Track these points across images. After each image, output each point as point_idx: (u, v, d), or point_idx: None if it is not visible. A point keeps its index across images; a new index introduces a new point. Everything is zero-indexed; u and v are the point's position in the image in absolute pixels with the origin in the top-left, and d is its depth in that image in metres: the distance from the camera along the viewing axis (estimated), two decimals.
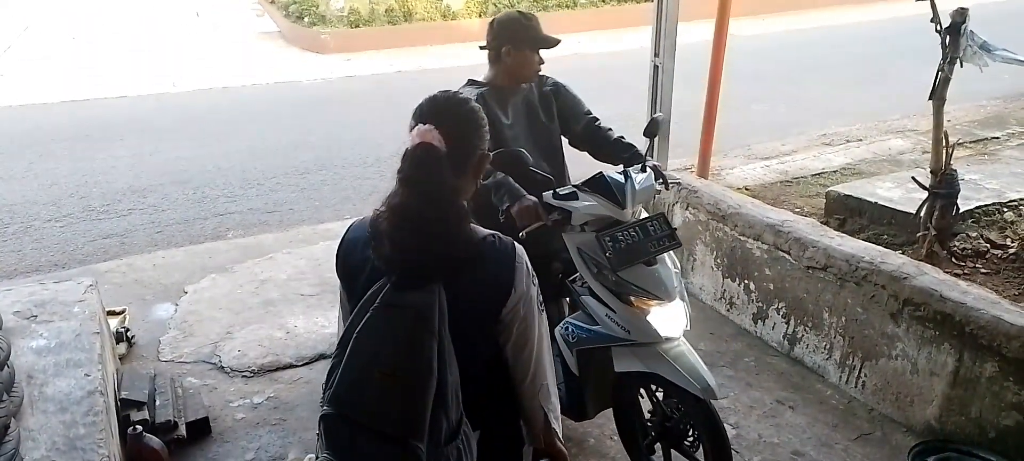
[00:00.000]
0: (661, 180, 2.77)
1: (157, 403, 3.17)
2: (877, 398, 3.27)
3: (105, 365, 2.88)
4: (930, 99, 3.58)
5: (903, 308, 3.07)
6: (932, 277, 3.07)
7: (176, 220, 5.57)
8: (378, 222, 1.53)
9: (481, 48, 2.88)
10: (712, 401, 2.46)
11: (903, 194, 4.14)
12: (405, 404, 1.42)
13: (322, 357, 3.68)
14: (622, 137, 2.97)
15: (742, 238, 3.83)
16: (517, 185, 2.59)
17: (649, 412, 2.76)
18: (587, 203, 2.52)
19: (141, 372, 3.46)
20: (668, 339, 2.51)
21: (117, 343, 3.66)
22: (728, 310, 4.00)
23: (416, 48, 11.84)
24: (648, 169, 2.69)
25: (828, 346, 3.46)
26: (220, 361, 3.71)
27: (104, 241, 5.23)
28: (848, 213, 4.25)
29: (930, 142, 3.75)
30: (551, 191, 2.57)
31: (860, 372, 3.33)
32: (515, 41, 2.77)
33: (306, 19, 12.61)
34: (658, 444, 2.74)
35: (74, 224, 5.48)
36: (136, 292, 4.39)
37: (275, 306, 4.24)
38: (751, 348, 3.77)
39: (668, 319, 2.50)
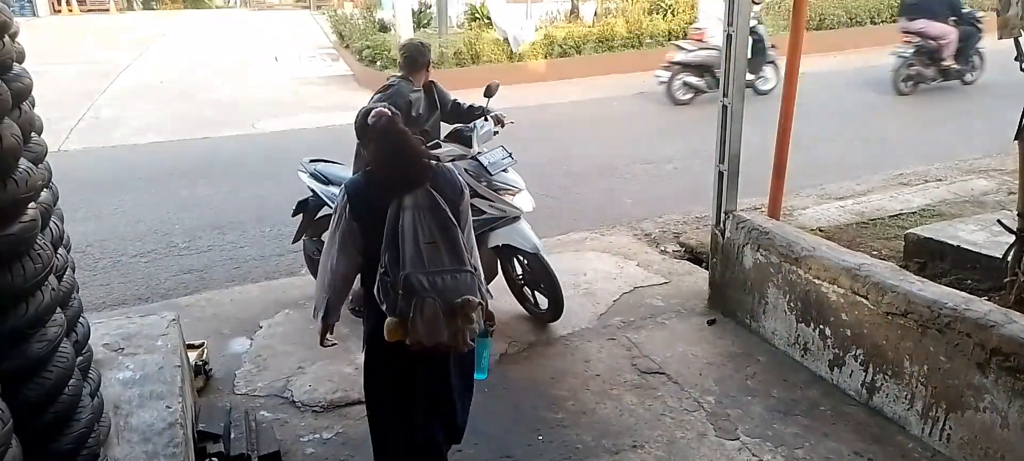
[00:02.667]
0: (499, 124, 4.48)
1: (232, 436, 3.27)
2: (964, 452, 3.10)
3: (185, 398, 2.99)
4: (1016, 138, 3.44)
5: (991, 358, 2.92)
6: (1022, 326, 2.92)
7: (253, 256, 5.78)
8: (368, 176, 2.66)
9: (399, 66, 4.48)
10: (541, 254, 4.17)
11: (987, 237, 3.97)
12: (450, 250, 2.54)
13: None
14: (472, 106, 4.63)
15: (817, 281, 3.72)
16: None
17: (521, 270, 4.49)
18: (449, 148, 4.24)
19: (218, 405, 3.58)
20: (526, 213, 4.24)
21: (195, 376, 3.80)
22: (802, 356, 3.88)
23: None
24: (488, 119, 4.42)
25: (909, 396, 3.31)
26: (292, 395, 3.80)
27: (185, 276, 5.46)
28: (929, 257, 4.09)
29: (1016, 183, 3.60)
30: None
31: (945, 424, 3.17)
32: (428, 63, 4.46)
33: (378, 62, 13.00)
34: (527, 289, 4.52)
35: (158, 260, 5.75)
36: (214, 326, 4.56)
37: (345, 341, 4.31)
38: (827, 396, 3.63)
39: (523, 201, 4.23)
